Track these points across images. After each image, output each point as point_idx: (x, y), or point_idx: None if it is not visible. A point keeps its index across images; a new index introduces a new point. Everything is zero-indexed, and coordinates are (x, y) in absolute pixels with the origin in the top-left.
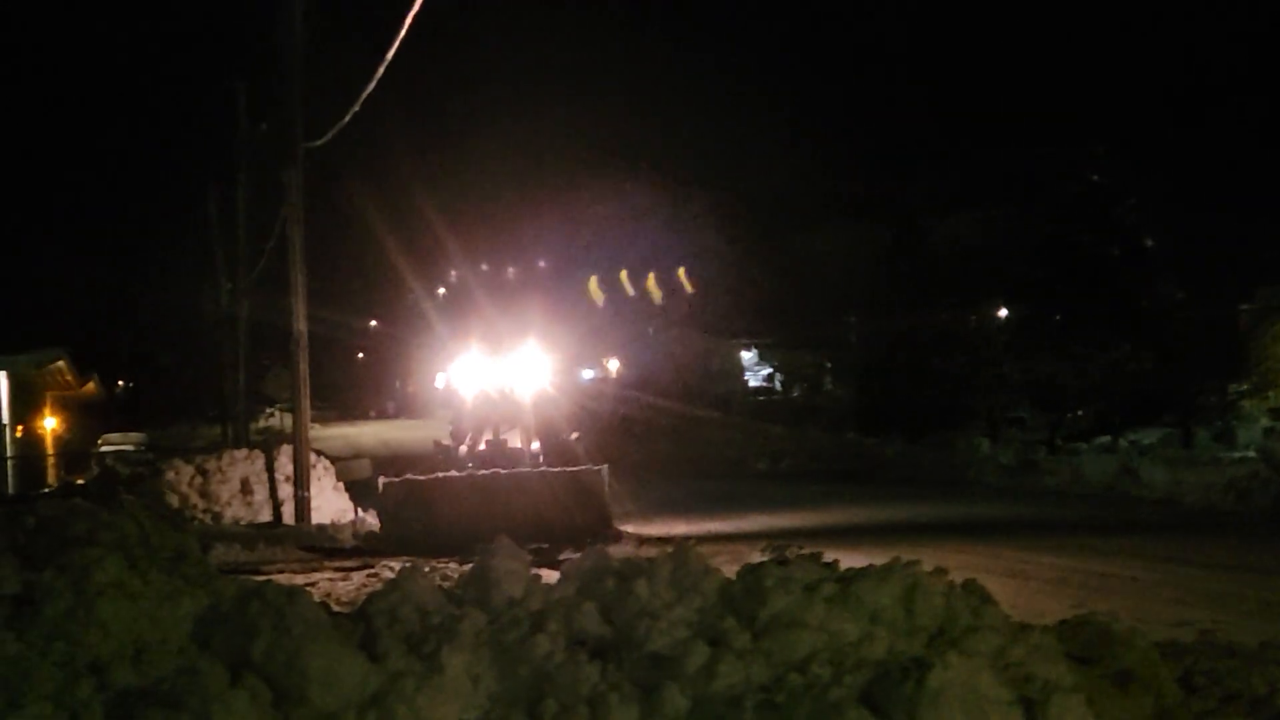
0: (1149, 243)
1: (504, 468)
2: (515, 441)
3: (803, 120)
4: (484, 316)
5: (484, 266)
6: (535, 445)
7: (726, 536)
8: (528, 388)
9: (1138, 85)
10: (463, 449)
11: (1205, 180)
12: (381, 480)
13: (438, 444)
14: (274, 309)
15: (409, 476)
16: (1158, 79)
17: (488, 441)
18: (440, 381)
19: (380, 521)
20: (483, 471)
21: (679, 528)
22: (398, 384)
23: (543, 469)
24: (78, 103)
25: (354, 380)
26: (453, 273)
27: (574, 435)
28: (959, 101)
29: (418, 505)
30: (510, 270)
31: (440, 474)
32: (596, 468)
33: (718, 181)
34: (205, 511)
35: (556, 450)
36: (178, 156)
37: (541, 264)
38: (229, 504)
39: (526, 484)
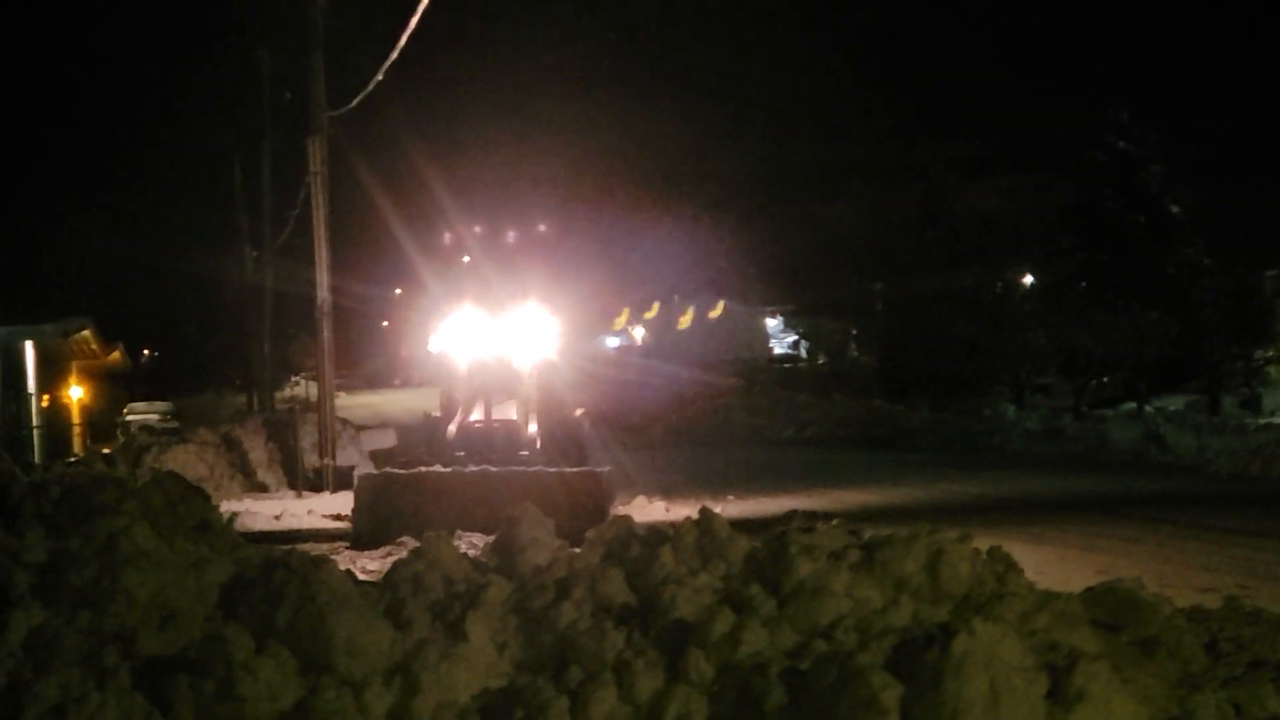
0: (1174, 209)
1: (498, 447)
2: (511, 413)
3: (828, 88)
4: (482, 275)
5: (477, 229)
6: (533, 427)
7: (753, 520)
8: (528, 355)
9: (1162, 52)
10: (452, 427)
11: (1231, 146)
12: (357, 472)
13: (428, 416)
14: (299, 277)
15: (388, 470)
16: (1182, 45)
17: (481, 418)
18: (434, 345)
19: (352, 516)
20: (470, 469)
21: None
22: (403, 350)
23: (539, 469)
24: (103, 72)
25: (379, 348)
26: (449, 234)
27: (579, 411)
28: (983, 68)
29: (395, 501)
30: (512, 234)
31: (422, 469)
32: (599, 470)
33: (743, 149)
34: (231, 480)
35: (560, 429)
36: (203, 125)
37: (542, 228)
38: (254, 472)
39: (517, 484)
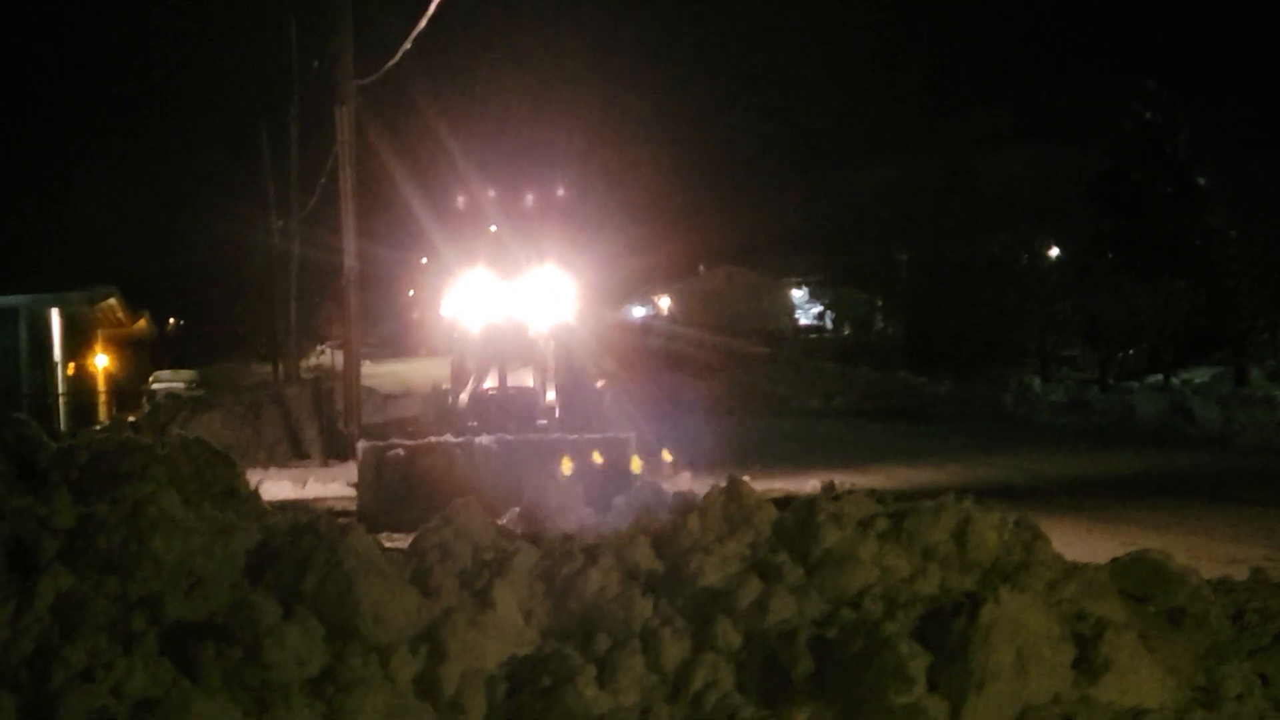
0: (1201, 180)
1: (514, 415)
2: (527, 381)
3: (854, 57)
4: (499, 236)
5: (491, 193)
6: (551, 395)
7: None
8: (545, 320)
9: (1189, 21)
10: (463, 395)
11: (1259, 116)
12: (361, 444)
13: (437, 387)
14: (325, 245)
15: (394, 442)
16: (1209, 14)
17: (495, 386)
18: (446, 309)
19: (357, 493)
20: (482, 439)
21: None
22: (415, 314)
23: (558, 436)
24: (130, 38)
25: (404, 317)
26: (463, 197)
27: (599, 383)
28: (1008, 37)
29: (403, 476)
30: (530, 196)
31: (433, 439)
32: (623, 436)
33: (770, 117)
34: (256, 448)
35: (579, 397)
36: (230, 92)
37: (561, 191)
38: (280, 440)
39: (534, 454)
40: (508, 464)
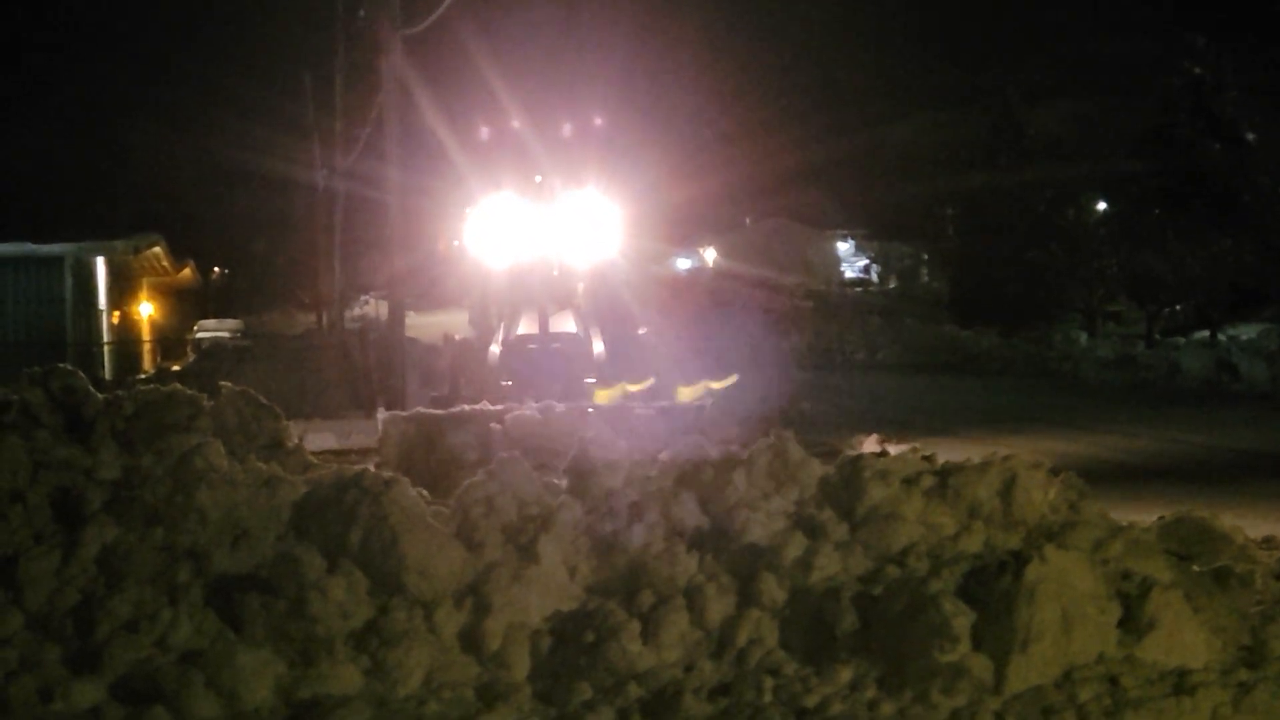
0: (1250, 136)
1: (557, 371)
2: (569, 325)
3: (897, 7)
4: (532, 159)
5: (515, 124)
6: (598, 345)
7: None
8: (585, 255)
9: None
10: (494, 347)
11: None
12: (382, 414)
13: (449, 338)
14: (370, 194)
15: (420, 411)
16: None
17: (534, 335)
18: (469, 244)
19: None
20: (522, 410)
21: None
22: (439, 245)
23: (627, 407)
24: None
25: (448, 267)
26: (486, 129)
27: (641, 330)
28: None
29: (431, 452)
30: (568, 125)
31: (465, 407)
32: (697, 403)
33: (813, 69)
34: (301, 399)
35: (628, 345)
36: (274, 41)
37: (598, 121)
38: (324, 392)
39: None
40: (558, 437)
